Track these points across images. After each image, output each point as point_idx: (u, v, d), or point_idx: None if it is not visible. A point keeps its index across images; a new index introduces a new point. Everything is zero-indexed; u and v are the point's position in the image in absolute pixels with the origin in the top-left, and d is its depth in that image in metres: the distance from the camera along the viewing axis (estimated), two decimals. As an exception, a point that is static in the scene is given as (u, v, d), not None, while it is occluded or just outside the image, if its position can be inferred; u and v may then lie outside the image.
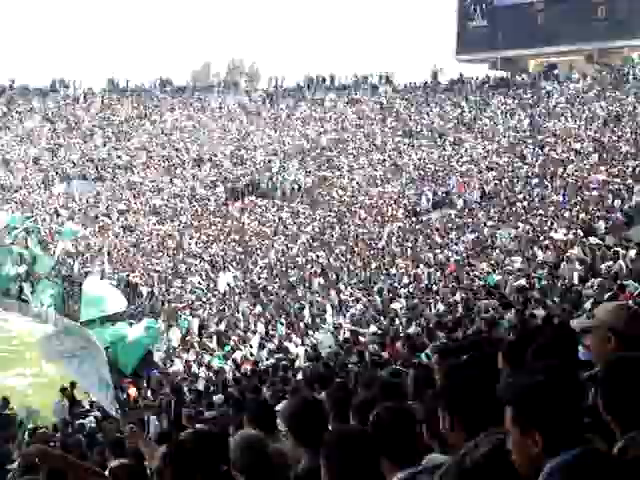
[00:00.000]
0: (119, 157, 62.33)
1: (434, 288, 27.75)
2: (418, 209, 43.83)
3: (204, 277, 39.54)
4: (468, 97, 58.86)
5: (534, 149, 46.87)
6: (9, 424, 21.07)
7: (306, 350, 24.38)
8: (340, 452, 3.80)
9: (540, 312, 15.89)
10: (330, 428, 4.32)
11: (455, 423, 3.89)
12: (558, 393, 3.18)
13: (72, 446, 14.72)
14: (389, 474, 4.10)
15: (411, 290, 28.77)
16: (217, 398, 14.87)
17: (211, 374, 24.48)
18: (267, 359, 24.37)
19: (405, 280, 30.60)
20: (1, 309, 40.78)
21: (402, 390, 7.05)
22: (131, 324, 31.46)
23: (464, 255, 31.93)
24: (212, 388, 21.35)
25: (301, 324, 28.57)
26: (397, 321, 23.90)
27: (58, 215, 54.57)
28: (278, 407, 8.34)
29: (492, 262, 29.19)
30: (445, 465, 3.61)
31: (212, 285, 38.09)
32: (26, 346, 35.57)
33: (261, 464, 5.05)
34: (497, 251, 31.01)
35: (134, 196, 56.42)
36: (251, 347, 27.05)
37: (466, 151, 50.75)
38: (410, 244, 36.66)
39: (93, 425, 19.63)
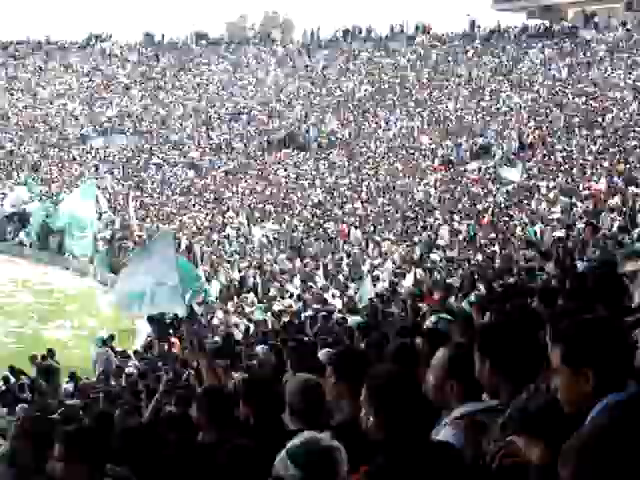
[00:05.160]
0: (156, 111, 62.40)
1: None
2: (455, 160, 43.59)
3: (241, 230, 39.58)
4: (506, 46, 58.16)
5: (573, 98, 46.41)
6: (54, 375, 21.36)
7: (344, 302, 24.50)
8: (391, 390, 3.79)
9: (580, 263, 15.81)
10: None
11: (495, 367, 3.90)
12: (611, 330, 3.17)
13: (116, 396, 14.95)
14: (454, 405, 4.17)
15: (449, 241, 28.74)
16: (260, 348, 14.93)
17: (251, 325, 24.64)
18: (305, 310, 24.46)
19: (443, 231, 30.53)
20: (42, 263, 41.15)
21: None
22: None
23: (503, 206, 31.80)
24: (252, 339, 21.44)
25: (340, 276, 28.65)
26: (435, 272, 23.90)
27: (97, 170, 54.82)
28: (319, 354, 8.41)
29: (531, 213, 29.06)
30: (508, 411, 3.62)
31: (248, 238, 38.13)
32: (66, 299, 35.96)
33: (318, 407, 5.14)
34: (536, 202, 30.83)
35: (172, 150, 56.52)
36: (290, 298, 27.17)
37: (504, 102, 50.32)
38: (448, 195, 36.54)
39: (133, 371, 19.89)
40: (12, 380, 20.25)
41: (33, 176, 50.93)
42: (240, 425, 5.57)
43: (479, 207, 32.82)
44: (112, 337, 24.79)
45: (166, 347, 23.89)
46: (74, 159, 57.07)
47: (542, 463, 3.06)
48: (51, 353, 22.64)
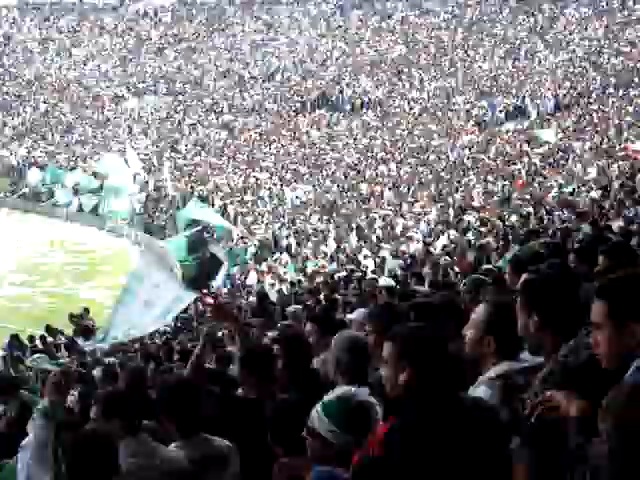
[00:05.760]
0: (189, 72, 62.38)
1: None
2: (490, 121, 43.29)
3: (274, 192, 39.63)
4: (542, 6, 57.45)
5: (609, 58, 45.88)
6: (91, 334, 21.54)
7: (376, 263, 24.46)
8: (423, 345, 3.76)
9: (616, 223, 15.69)
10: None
11: (543, 320, 3.86)
12: None
13: (151, 354, 15.06)
14: (490, 362, 4.16)
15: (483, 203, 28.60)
16: (292, 308, 14.97)
17: (283, 287, 24.70)
18: (338, 271, 24.45)
19: (476, 192, 30.39)
20: (76, 223, 41.48)
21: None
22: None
23: (538, 167, 31.59)
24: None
25: (373, 237, 28.60)
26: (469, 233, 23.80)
27: (130, 131, 55.01)
28: (350, 316, 8.42)
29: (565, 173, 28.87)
30: (547, 367, 3.61)
31: (282, 199, 38.17)
32: (102, 259, 36.25)
33: (365, 363, 5.17)
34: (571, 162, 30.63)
35: (206, 111, 56.57)
36: (323, 259, 27.19)
37: (539, 61, 49.85)
38: (482, 156, 36.33)
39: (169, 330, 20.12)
40: (49, 340, 20.45)
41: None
42: (279, 380, 5.66)
43: (513, 168, 32.62)
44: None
45: (201, 307, 24.04)
46: (108, 120, 57.29)
47: (581, 417, 3.07)
48: (86, 312, 22.87)
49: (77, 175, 45.40)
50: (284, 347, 5.80)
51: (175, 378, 6.37)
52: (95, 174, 44.35)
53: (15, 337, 20.34)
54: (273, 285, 25.18)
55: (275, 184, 40.74)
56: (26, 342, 20.22)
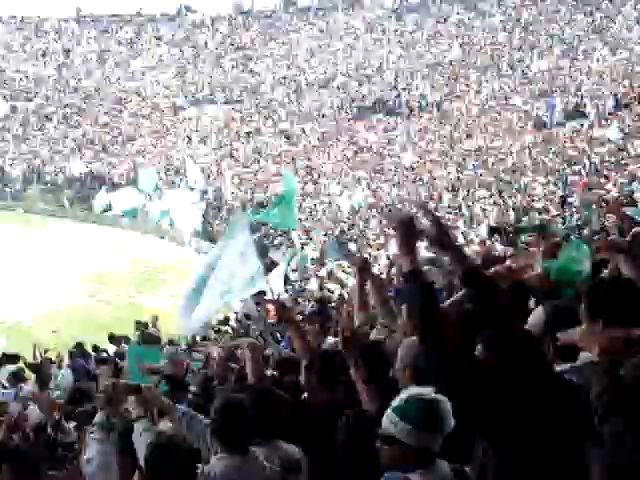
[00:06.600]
0: (246, 80, 62.74)
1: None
2: (548, 121, 42.91)
3: (333, 197, 39.72)
4: (599, 4, 56.83)
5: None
6: (156, 342, 21.64)
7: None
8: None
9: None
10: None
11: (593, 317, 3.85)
12: None
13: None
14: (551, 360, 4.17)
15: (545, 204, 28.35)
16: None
17: (344, 292, 24.68)
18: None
19: (538, 193, 30.15)
20: (138, 232, 41.87)
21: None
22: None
23: (599, 167, 31.26)
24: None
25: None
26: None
27: (190, 140, 55.45)
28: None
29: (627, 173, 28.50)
30: (596, 377, 3.63)
31: (340, 204, 38.21)
32: (163, 268, 36.55)
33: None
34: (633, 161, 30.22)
35: (263, 118, 56.83)
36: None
37: (598, 60, 49.31)
38: (542, 157, 36.03)
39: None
40: (112, 349, 20.60)
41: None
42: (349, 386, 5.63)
43: (574, 169, 32.32)
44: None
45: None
46: (167, 130, 57.82)
47: None
48: (155, 319, 23.03)
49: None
50: (365, 361, 5.72)
51: (254, 386, 6.33)
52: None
53: (79, 346, 20.52)
54: (332, 292, 25.16)
55: (334, 192, 40.82)
56: (90, 351, 20.42)
